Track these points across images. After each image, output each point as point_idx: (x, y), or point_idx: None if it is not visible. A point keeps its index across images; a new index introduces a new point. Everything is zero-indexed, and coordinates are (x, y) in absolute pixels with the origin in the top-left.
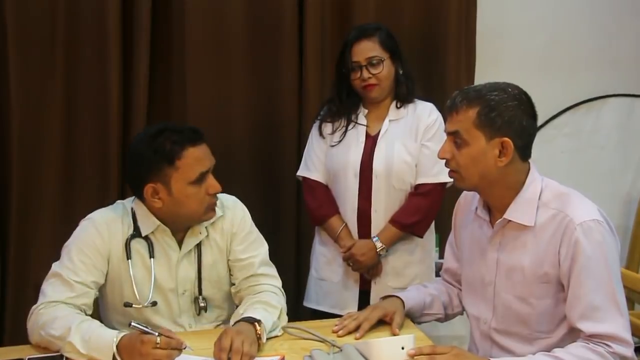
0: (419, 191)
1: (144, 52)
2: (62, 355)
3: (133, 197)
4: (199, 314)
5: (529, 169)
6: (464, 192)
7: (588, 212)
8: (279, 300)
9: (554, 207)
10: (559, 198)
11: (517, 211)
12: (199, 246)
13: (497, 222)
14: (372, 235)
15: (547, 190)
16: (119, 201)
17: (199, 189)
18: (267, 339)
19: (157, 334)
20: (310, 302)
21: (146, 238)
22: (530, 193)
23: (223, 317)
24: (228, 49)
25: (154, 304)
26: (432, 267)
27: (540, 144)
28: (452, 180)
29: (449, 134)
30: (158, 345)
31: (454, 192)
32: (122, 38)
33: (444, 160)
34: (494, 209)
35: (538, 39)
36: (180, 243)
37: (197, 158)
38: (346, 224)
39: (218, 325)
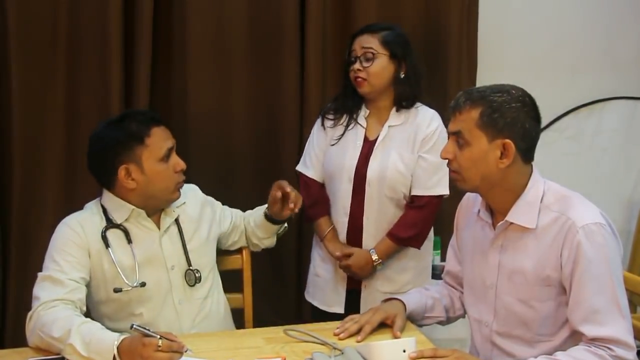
0: (415, 204)
1: (145, 53)
2: (62, 358)
3: (98, 197)
4: (193, 285)
5: (531, 172)
6: (467, 194)
7: (590, 215)
8: None
9: (556, 209)
10: (561, 201)
11: (519, 213)
12: (177, 222)
13: (499, 224)
14: (362, 243)
15: (549, 192)
16: (86, 204)
17: (167, 166)
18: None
19: (158, 336)
20: (308, 296)
21: (121, 227)
22: (532, 196)
23: (212, 291)
24: (229, 51)
25: (143, 284)
26: (428, 274)
27: (541, 146)
28: (447, 193)
29: (451, 134)
30: (159, 348)
31: (456, 195)
32: (124, 39)
33: (441, 173)
34: (495, 211)
35: (540, 41)
36: (157, 224)
37: (162, 136)
38: (334, 227)
39: (208, 302)
